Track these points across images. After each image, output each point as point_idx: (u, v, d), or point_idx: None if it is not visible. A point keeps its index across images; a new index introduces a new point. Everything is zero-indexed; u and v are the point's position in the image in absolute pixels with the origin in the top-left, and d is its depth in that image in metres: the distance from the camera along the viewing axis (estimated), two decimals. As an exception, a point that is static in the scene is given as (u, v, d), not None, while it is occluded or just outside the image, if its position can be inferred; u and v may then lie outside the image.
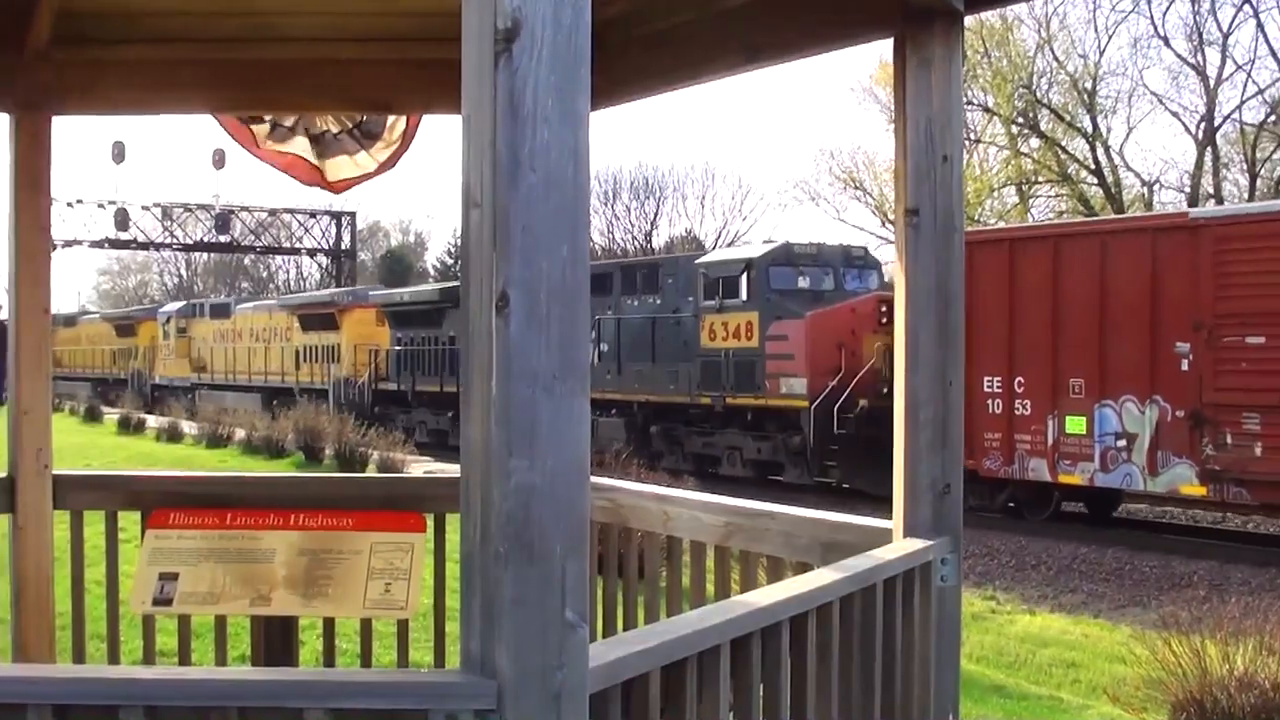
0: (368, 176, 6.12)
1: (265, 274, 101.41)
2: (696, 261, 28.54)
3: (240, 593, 5.28)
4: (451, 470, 17.10)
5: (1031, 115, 49.19)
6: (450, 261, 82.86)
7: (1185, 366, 18.42)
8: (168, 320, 55.45)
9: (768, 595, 3.51)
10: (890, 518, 4.46)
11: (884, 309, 23.86)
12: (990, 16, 45.38)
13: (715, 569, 5.08)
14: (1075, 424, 19.78)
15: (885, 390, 21.37)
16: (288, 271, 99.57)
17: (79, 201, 60.03)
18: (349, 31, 5.71)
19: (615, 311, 29.66)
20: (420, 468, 21.35)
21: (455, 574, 5.55)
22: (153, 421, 31.07)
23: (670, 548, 5.26)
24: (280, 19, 5.62)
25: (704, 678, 3.02)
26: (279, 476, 6.97)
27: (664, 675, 2.88)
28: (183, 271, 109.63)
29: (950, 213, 4.32)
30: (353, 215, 72.75)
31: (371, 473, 19.86)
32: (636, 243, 74.96)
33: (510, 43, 2.28)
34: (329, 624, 5.91)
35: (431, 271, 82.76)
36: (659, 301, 28.76)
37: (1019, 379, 20.57)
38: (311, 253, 71.64)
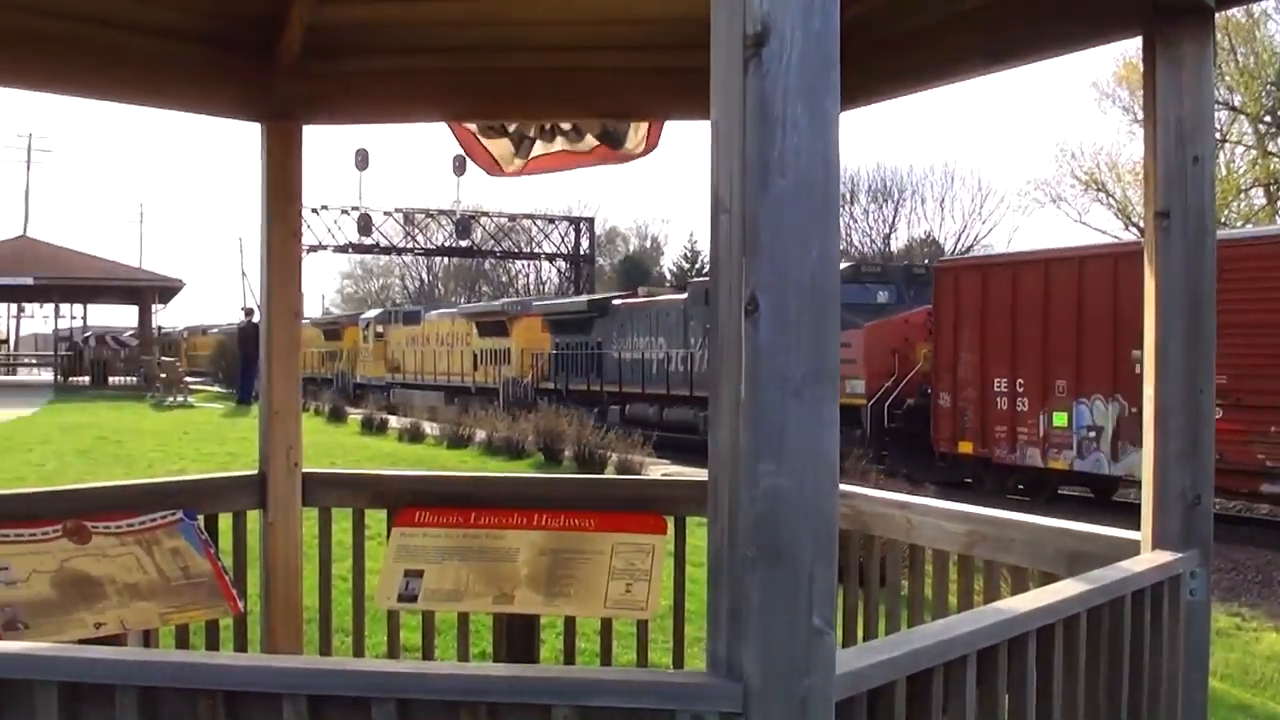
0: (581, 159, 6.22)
1: (505, 279, 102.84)
2: None
3: (483, 590, 5.35)
4: (690, 473, 17.14)
5: (1280, 113, 47.60)
6: (686, 266, 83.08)
7: (1138, 370, 19.63)
8: (367, 326, 59.71)
9: (1015, 605, 3.45)
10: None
11: (932, 320, 27.61)
12: (1236, 12, 43.97)
13: (958, 578, 5.00)
14: (1060, 418, 23.37)
15: (928, 391, 26.76)
16: (527, 276, 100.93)
17: (324, 207, 61.61)
18: (591, 40, 5.76)
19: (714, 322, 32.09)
20: (659, 470, 21.44)
21: (694, 576, 5.58)
22: (395, 422, 31.72)
23: (912, 556, 5.20)
24: (523, 28, 5.70)
25: (950, 689, 2.97)
26: (521, 477, 7.02)
27: (909, 685, 2.84)
28: (424, 276, 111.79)
29: (1202, 215, 4.19)
30: (591, 221, 73.40)
31: (611, 474, 20.00)
32: (875, 246, 74.36)
33: (760, 47, 2.27)
34: (569, 623, 5.96)
35: (668, 276, 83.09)
36: None
37: (1019, 380, 24.34)
38: (550, 258, 72.44)
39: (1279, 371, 19.90)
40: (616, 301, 42.17)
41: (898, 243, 75.08)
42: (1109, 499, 24.19)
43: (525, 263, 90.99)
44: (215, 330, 75.50)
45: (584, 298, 49.17)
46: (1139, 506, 4.36)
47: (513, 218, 71.15)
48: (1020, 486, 24.50)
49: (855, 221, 76.24)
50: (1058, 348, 23.38)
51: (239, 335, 45.06)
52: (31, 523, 4.91)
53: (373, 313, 63.73)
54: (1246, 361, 19.75)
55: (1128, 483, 23.45)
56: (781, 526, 2.29)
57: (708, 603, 2.45)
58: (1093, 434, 22.89)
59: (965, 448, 25.24)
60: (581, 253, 69.16)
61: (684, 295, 37.64)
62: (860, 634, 5.32)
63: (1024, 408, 24.06)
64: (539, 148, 6.14)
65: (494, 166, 6.25)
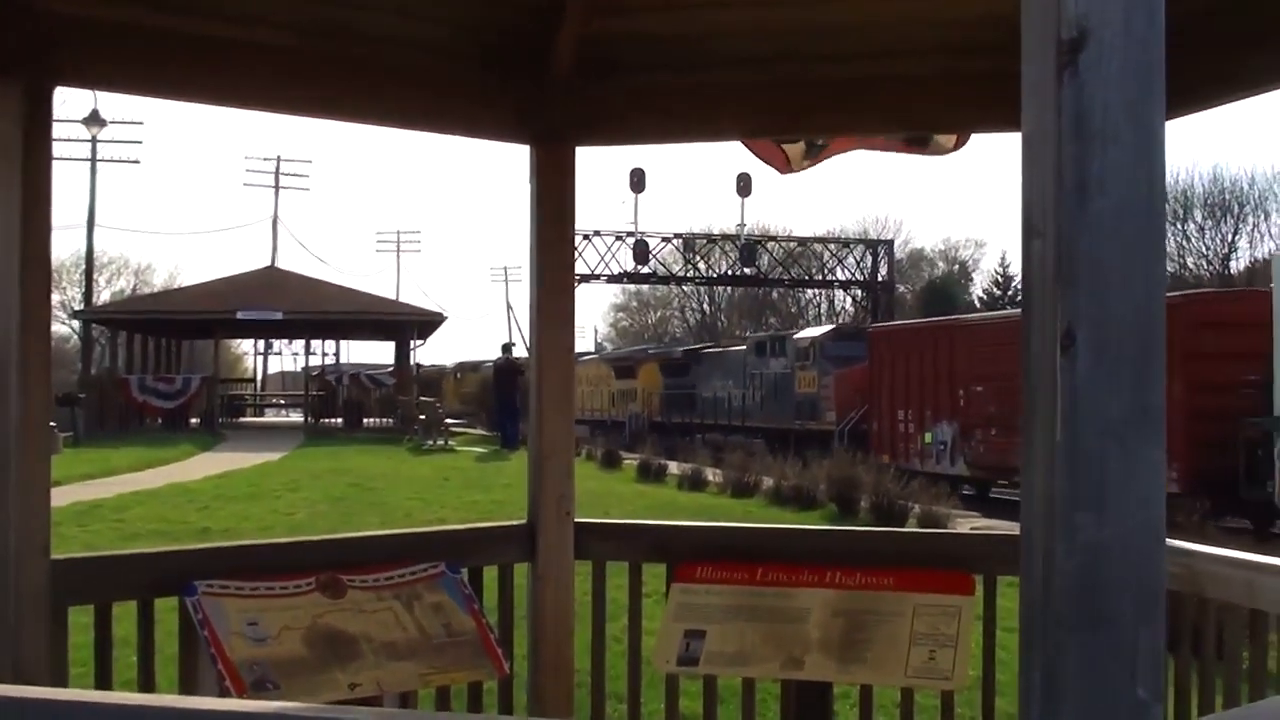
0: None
1: (794, 309, 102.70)
2: (794, 337, 51.37)
3: (770, 654, 5.36)
4: (1003, 527, 16.95)
5: None
6: (998, 293, 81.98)
7: (963, 404, 36.46)
8: (535, 368, 73.88)
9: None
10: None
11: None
12: None
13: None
14: (928, 436, 37.99)
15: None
16: (819, 305, 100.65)
17: (596, 233, 62.57)
18: (889, 47, 5.75)
19: (762, 368, 51.43)
20: (967, 524, 21.26)
21: (1006, 644, 5.53)
22: (674, 468, 32.01)
23: (1254, 623, 5.07)
24: (814, 38, 5.73)
25: (1294, 771, 2.91)
26: (812, 529, 7.04)
27: (1249, 766, 2.80)
28: (705, 307, 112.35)
29: None
30: (890, 244, 73.01)
31: (912, 527, 19.87)
32: (1211, 269, 72.27)
33: (1076, 54, 2.26)
34: (865, 693, 5.92)
35: (977, 304, 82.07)
36: (785, 361, 49.85)
37: (910, 411, 39.05)
38: (845, 285, 72.27)
39: (1016, 405, 28.81)
40: (704, 351, 62.72)
41: (1238, 264, 72.71)
42: (988, 493, 35.99)
43: (817, 291, 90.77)
44: (482, 366, 78.22)
45: (683, 347, 70.95)
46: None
47: (803, 241, 71.24)
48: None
49: (1189, 241, 74.12)
50: (928, 388, 38.26)
51: (494, 374, 46.05)
52: (282, 575, 5.08)
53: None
54: (1004, 396, 32.68)
55: (973, 482, 36.66)
56: (1102, 585, 2.27)
57: (1019, 670, 2.45)
58: (944, 446, 37.20)
59: (885, 458, 36.62)
60: (879, 279, 68.80)
61: (743, 347, 56.63)
62: (1194, 710, 5.20)
63: (912, 430, 39.01)
64: (831, 149, 6.18)
65: (785, 165, 6.30)
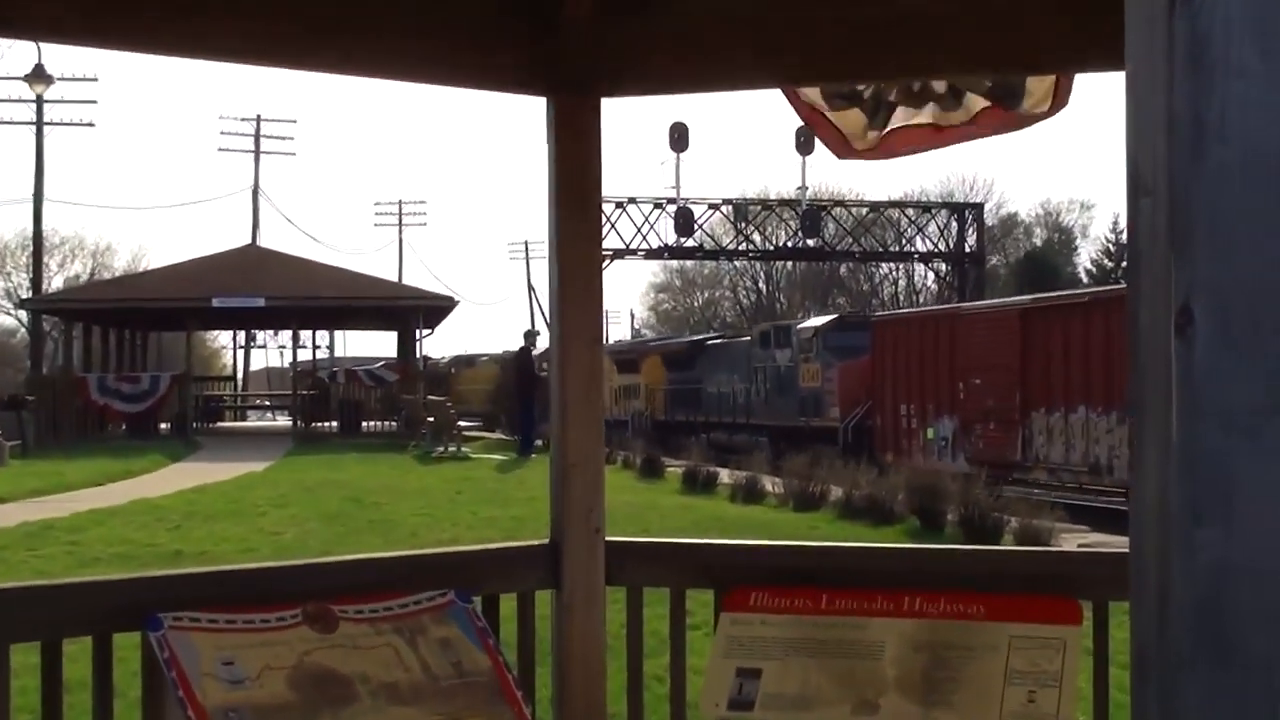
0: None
1: (867, 286, 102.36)
2: (797, 327, 54.49)
3: (839, 696, 5.30)
4: (1116, 544, 16.87)
5: None
6: (1109, 264, 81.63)
7: (962, 397, 40.29)
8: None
9: None
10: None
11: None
12: None
13: None
14: (930, 432, 42.16)
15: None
16: (895, 282, 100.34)
17: (631, 201, 62.53)
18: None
19: (767, 361, 54.62)
20: (1074, 540, 21.18)
21: (1122, 682, 5.46)
22: (725, 477, 32.01)
23: None
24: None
25: None
26: (885, 548, 6.99)
27: None
28: (761, 286, 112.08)
29: None
30: (979, 208, 72.67)
31: (1008, 545, 19.78)
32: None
33: (1192, -33, 2.21)
34: (953, 740, 5.88)
35: (1084, 277, 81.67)
36: (789, 354, 52.99)
37: (913, 405, 43.14)
38: (926, 258, 71.96)
39: (1011, 398, 38.09)
40: (709, 342, 65.97)
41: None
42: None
43: (893, 266, 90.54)
44: (487, 359, 78.70)
45: (688, 338, 73.34)
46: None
47: (875, 207, 71.09)
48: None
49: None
50: (928, 383, 42.20)
51: (513, 366, 46.14)
52: (264, 606, 5.03)
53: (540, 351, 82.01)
54: (1000, 389, 38.35)
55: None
56: (1230, 615, 2.20)
57: (1131, 716, 2.40)
58: (944, 442, 41.31)
59: (889, 457, 41.55)
60: (967, 250, 68.43)
61: (748, 338, 59.58)
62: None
63: (915, 425, 43.13)
64: (900, 116, 6.04)
65: (842, 146, 6.18)
